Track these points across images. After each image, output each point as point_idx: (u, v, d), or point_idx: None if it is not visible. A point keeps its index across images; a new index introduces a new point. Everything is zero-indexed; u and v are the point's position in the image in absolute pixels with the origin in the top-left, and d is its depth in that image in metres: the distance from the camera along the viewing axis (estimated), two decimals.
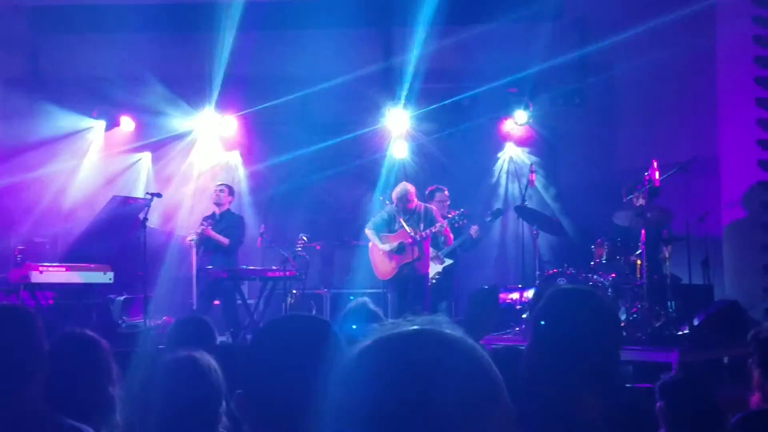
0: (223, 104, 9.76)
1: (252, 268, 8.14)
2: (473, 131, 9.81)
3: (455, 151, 9.80)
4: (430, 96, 9.87)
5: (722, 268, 7.87)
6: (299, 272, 7.88)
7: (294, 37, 9.71)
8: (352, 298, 6.21)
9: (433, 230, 7.38)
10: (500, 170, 10.16)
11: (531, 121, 9.73)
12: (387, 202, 7.77)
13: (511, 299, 8.16)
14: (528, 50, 8.99)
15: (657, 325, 6.64)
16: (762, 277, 7.67)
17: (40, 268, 7.19)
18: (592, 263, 7.27)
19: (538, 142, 9.92)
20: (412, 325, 1.01)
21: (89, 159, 9.90)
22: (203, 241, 7.86)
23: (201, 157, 10.10)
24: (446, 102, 9.78)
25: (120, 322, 8.11)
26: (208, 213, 8.25)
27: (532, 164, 8.54)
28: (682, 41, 8.07)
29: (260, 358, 1.64)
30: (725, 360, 6.27)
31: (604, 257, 7.16)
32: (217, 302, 7.93)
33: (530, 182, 8.15)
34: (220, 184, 8.37)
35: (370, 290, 7.93)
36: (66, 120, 9.65)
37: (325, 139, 10.24)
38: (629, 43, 8.69)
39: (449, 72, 9.75)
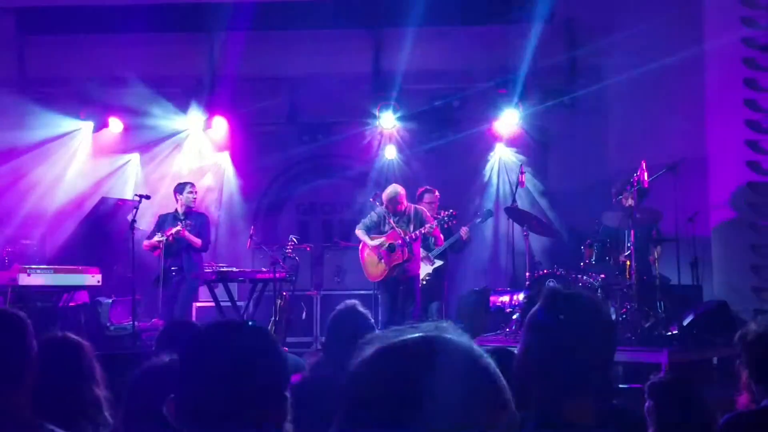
0: (212, 105, 9.72)
1: (241, 270, 8.11)
2: (463, 132, 9.82)
3: (445, 152, 9.80)
4: (420, 97, 9.88)
5: (711, 268, 7.90)
6: (289, 274, 7.85)
7: (284, 37, 9.68)
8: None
9: (423, 231, 7.37)
10: (490, 171, 10.17)
11: (521, 122, 9.74)
12: (377, 203, 7.76)
13: (502, 302, 8.17)
14: (518, 51, 9.00)
15: (646, 325, 6.66)
16: (751, 277, 7.70)
17: (28, 271, 7.14)
18: (582, 264, 7.28)
19: (528, 143, 9.93)
20: (417, 331, 1.00)
21: (77, 160, 9.83)
22: (171, 244, 7.49)
23: (190, 159, 10.05)
24: (436, 103, 9.79)
25: (108, 324, 8.07)
26: (163, 212, 7.94)
27: (521, 165, 8.55)
28: (671, 42, 8.10)
29: (191, 365, 1.64)
30: (714, 360, 6.30)
31: (593, 258, 7.17)
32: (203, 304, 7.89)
33: (520, 183, 8.15)
34: (192, 184, 8.03)
35: (360, 292, 7.92)
36: (53, 121, 9.59)
37: (315, 140, 10.23)
38: (619, 44, 8.72)
39: (439, 73, 9.76)
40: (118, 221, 8.48)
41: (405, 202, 7.51)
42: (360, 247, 7.77)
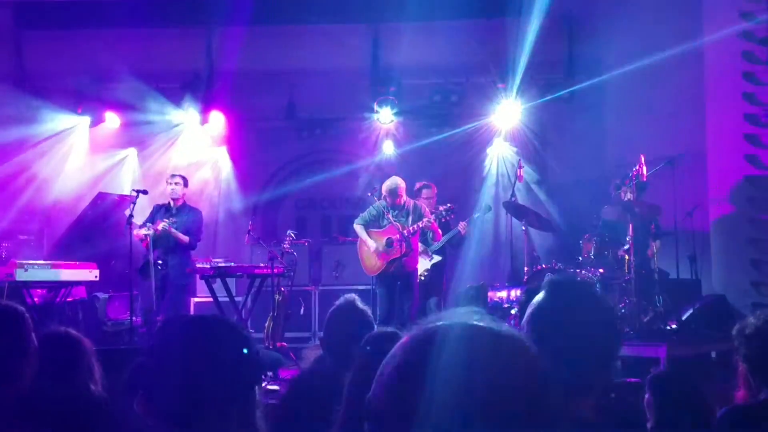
0: (210, 100, 9.69)
1: (239, 265, 8.09)
2: (461, 127, 9.80)
3: (443, 146, 9.78)
4: (418, 92, 9.86)
5: (710, 262, 7.89)
6: (287, 269, 7.84)
7: (282, 32, 9.65)
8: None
9: (421, 225, 7.35)
10: (489, 166, 10.16)
11: (520, 116, 9.72)
12: (375, 197, 7.75)
13: (500, 298, 8.16)
14: (516, 46, 8.98)
15: (645, 320, 6.66)
16: (749, 271, 7.69)
17: (25, 266, 7.12)
18: (580, 258, 7.28)
19: (527, 138, 9.92)
20: (460, 318, 1.00)
21: (74, 155, 9.82)
22: (159, 237, 7.27)
23: (187, 154, 10.03)
24: (435, 97, 9.77)
25: (105, 319, 8.05)
26: (160, 203, 7.74)
27: (520, 159, 8.53)
28: (670, 36, 8.08)
29: (159, 360, 1.64)
30: (713, 354, 6.29)
31: (592, 252, 7.16)
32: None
33: (518, 177, 8.14)
34: (174, 175, 7.71)
35: (358, 287, 7.91)
36: (50, 116, 9.57)
37: (313, 135, 10.21)
38: (617, 38, 8.70)
39: (438, 68, 9.74)
40: (116, 216, 8.46)
41: (404, 196, 7.50)
42: (358, 241, 7.76)
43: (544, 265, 7.56)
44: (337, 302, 3.58)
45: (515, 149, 9.90)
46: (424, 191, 8.19)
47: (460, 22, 9.46)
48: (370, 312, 3.60)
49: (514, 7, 8.93)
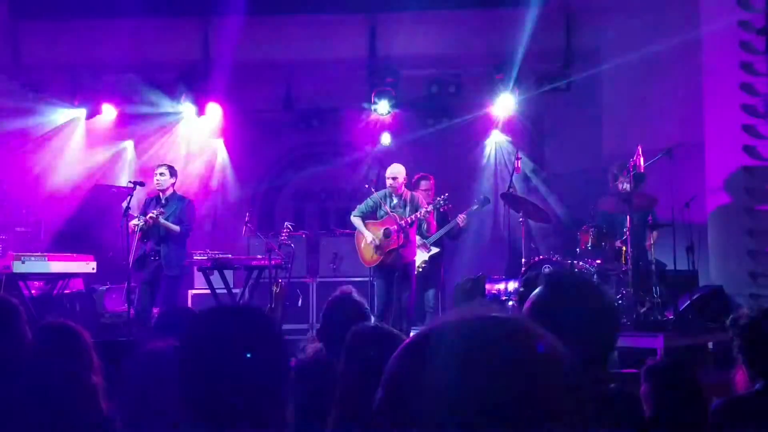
0: (206, 91, 9.65)
1: (237, 257, 8.09)
2: (459, 118, 9.79)
3: (441, 137, 9.77)
4: (416, 83, 9.84)
5: (707, 253, 7.89)
6: (285, 261, 7.84)
7: (279, 23, 9.62)
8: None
9: (419, 216, 7.35)
10: (486, 157, 10.15)
11: (517, 107, 9.71)
12: (373, 189, 7.74)
13: (497, 290, 8.17)
14: (514, 36, 8.95)
15: (642, 310, 6.67)
16: (747, 262, 7.70)
17: (22, 258, 7.11)
18: (578, 249, 7.28)
19: (525, 129, 9.91)
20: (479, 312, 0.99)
21: (71, 147, 9.79)
22: (150, 228, 7.26)
23: (184, 145, 10.01)
24: (432, 88, 9.75)
25: (103, 311, 8.05)
26: (153, 195, 7.69)
27: (517, 151, 8.52)
28: (667, 26, 8.06)
29: (192, 352, 1.60)
30: (710, 345, 6.31)
31: (589, 243, 7.16)
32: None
33: (516, 169, 8.13)
34: (160, 165, 7.69)
35: (356, 278, 7.91)
36: (47, 108, 9.54)
37: (310, 126, 10.19)
38: (615, 28, 8.68)
39: (435, 58, 9.71)
40: (113, 208, 8.44)
41: (403, 183, 7.50)
42: (356, 232, 7.75)
43: (541, 257, 7.56)
44: (334, 294, 3.61)
45: (514, 140, 9.89)
46: (422, 183, 8.19)
47: (457, 13, 9.43)
48: (366, 304, 3.63)
49: None
